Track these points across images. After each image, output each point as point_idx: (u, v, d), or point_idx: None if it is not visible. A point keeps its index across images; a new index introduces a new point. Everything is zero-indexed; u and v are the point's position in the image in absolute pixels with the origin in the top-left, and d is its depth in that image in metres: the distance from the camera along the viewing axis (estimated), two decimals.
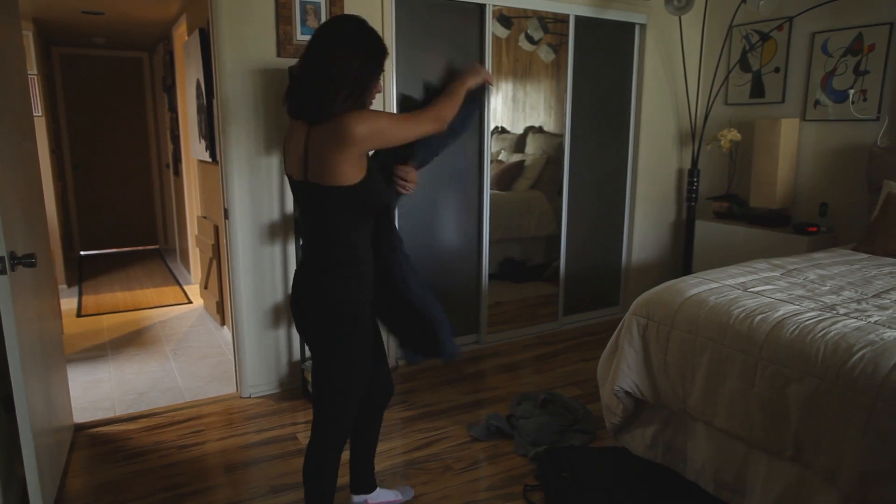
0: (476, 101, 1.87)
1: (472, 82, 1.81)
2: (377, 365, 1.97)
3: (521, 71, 3.74)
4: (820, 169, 3.80)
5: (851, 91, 3.58)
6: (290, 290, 3.15)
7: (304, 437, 2.74)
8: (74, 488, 2.37)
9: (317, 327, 1.73)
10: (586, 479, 2.35)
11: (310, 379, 3.05)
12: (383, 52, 1.66)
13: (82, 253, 6.88)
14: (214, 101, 2.97)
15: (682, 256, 4.41)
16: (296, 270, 1.82)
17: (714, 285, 2.37)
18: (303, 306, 1.75)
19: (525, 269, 4.14)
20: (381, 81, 1.70)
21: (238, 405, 3.08)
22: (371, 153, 1.71)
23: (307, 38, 2.97)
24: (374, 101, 1.71)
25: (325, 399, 1.77)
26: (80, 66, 6.57)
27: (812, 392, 1.81)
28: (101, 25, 5.32)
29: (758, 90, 4.08)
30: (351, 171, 1.59)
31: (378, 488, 2.20)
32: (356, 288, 1.72)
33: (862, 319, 1.98)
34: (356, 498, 2.16)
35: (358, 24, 1.63)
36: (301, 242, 1.79)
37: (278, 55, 2.93)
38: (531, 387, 3.28)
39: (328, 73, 1.56)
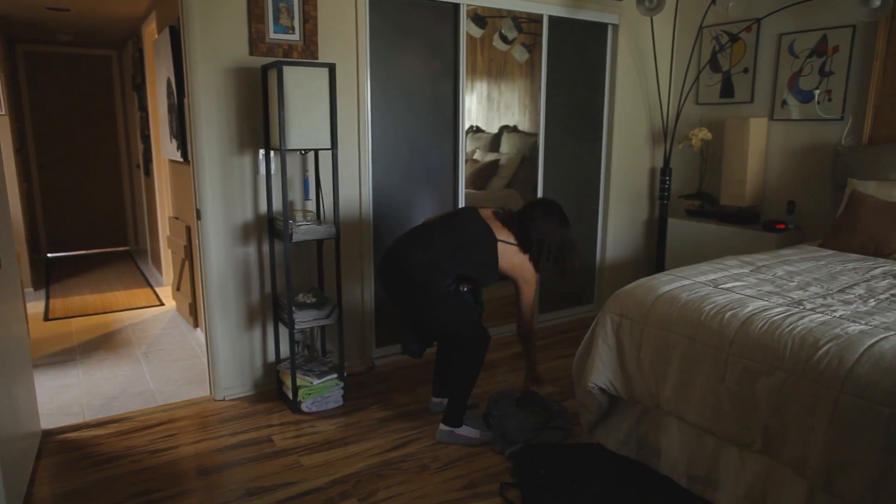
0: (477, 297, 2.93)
1: (534, 378, 2.95)
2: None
3: (496, 70, 3.76)
4: (787, 167, 3.89)
5: (817, 91, 3.67)
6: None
7: (279, 440, 2.72)
8: (42, 497, 2.32)
9: (426, 305, 2.59)
10: (562, 476, 2.37)
11: (288, 384, 3.02)
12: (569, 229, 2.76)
13: (49, 255, 6.72)
14: (186, 99, 2.92)
15: (654, 254, 4.48)
16: (400, 258, 2.58)
17: (686, 282, 2.41)
18: (408, 290, 2.58)
19: None
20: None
21: (212, 408, 3.04)
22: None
23: (280, 36, 2.94)
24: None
25: (462, 334, 2.65)
26: (46, 64, 6.41)
27: (780, 385, 1.85)
28: (67, 22, 5.20)
29: (727, 90, 4.15)
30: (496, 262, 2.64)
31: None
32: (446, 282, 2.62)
33: (827, 314, 2.03)
34: (436, 400, 2.96)
35: (562, 211, 2.75)
36: (415, 243, 2.61)
37: (251, 53, 2.90)
38: (507, 385, 3.30)
39: (539, 238, 2.66)
